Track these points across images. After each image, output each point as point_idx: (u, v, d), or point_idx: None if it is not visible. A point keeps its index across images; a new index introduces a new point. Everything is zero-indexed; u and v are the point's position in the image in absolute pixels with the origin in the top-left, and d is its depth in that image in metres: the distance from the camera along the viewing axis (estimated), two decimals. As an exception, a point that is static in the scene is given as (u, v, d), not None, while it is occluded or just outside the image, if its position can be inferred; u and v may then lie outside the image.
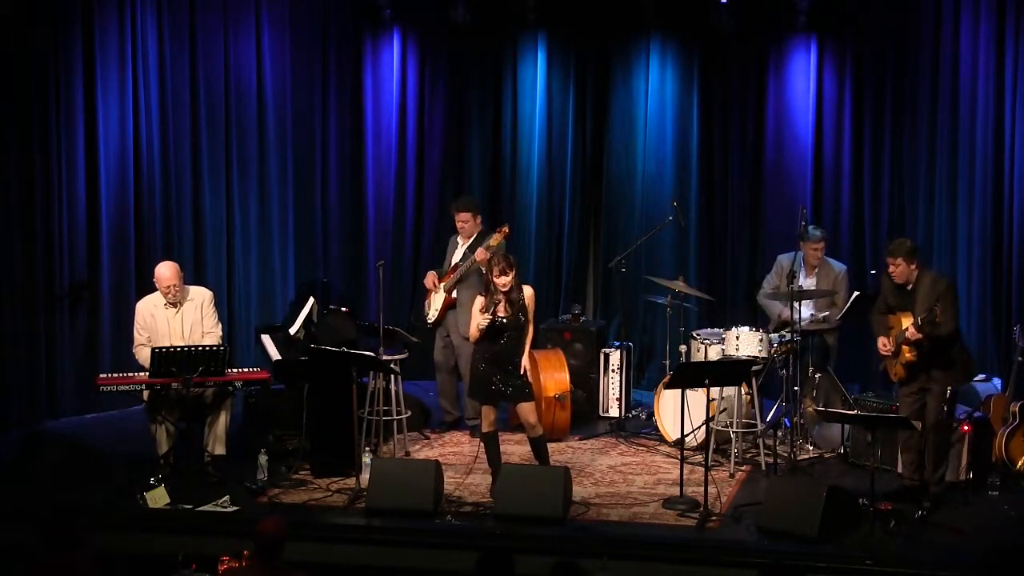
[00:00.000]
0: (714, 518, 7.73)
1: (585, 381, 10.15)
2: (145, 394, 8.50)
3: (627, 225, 11.51)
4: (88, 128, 10.24)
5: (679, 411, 8.83)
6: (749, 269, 11.14)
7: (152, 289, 8.78)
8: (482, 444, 8.21)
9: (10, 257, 9.86)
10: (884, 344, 7.94)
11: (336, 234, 11.61)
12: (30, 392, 10.00)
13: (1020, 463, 8.41)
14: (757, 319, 10.04)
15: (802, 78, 10.92)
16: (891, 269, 7.96)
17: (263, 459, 8.40)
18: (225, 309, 10.56)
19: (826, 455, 9.11)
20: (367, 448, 8.77)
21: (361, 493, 8.06)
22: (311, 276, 11.20)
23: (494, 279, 7.98)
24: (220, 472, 8.46)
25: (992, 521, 7.74)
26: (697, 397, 8.68)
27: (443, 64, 11.70)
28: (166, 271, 8.68)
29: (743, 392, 8.95)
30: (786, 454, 8.83)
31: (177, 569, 6.75)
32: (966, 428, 8.30)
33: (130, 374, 8.60)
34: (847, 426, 8.82)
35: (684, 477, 8.09)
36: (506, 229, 9.32)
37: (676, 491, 8.06)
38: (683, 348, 9.72)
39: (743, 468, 8.78)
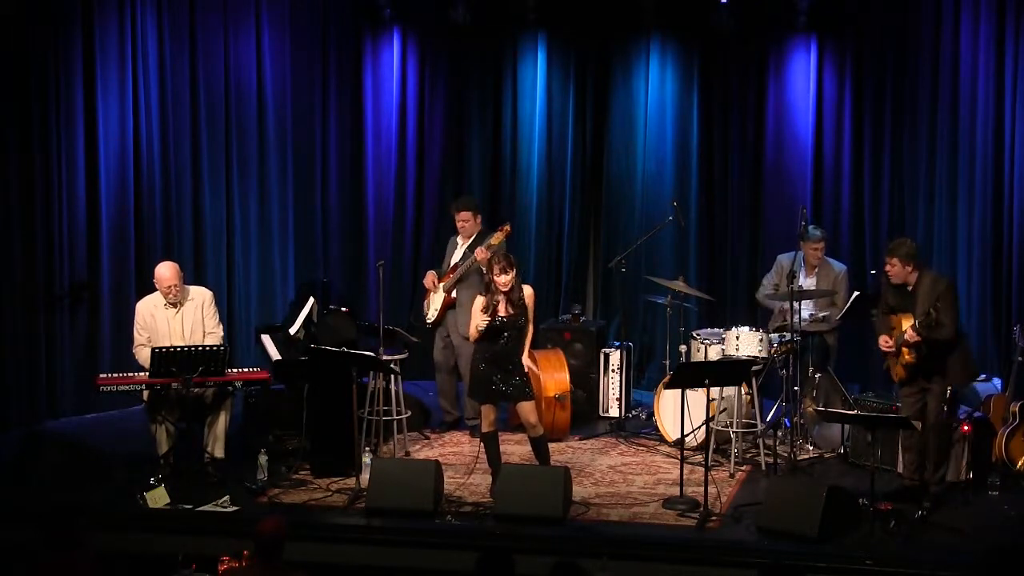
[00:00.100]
0: (714, 518, 7.73)
1: (585, 381, 10.15)
2: (145, 394, 8.50)
3: (627, 225, 11.51)
4: (88, 128, 10.24)
5: (679, 411, 8.83)
6: (749, 269, 11.13)
7: (152, 289, 8.78)
8: (482, 444, 8.21)
9: (10, 257, 9.86)
10: (886, 341, 7.93)
11: (336, 234, 11.61)
12: (30, 392, 10.00)
13: (1020, 463, 8.41)
14: (757, 319, 10.04)
15: (802, 78, 10.92)
16: (887, 268, 7.97)
17: (263, 459, 8.40)
18: (225, 309, 10.55)
19: (826, 455, 9.11)
20: (367, 448, 8.77)
21: (361, 493, 8.06)
22: (311, 276, 11.20)
23: (494, 278, 7.98)
24: (220, 472, 8.46)
25: (992, 521, 7.73)
26: (697, 397, 8.68)
27: (443, 64, 11.70)
28: (166, 271, 8.68)
29: (743, 392, 8.95)
30: (786, 454, 8.83)
31: (177, 569, 6.75)
32: (966, 428, 8.30)
33: (130, 374, 8.60)
34: (847, 426, 8.82)
35: (684, 477, 8.09)
36: (507, 228, 9.31)
37: (676, 491, 8.06)
38: (683, 348, 9.72)
39: (743, 468, 8.78)
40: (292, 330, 9.34)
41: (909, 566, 6.96)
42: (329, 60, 11.46)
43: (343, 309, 9.79)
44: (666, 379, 9.26)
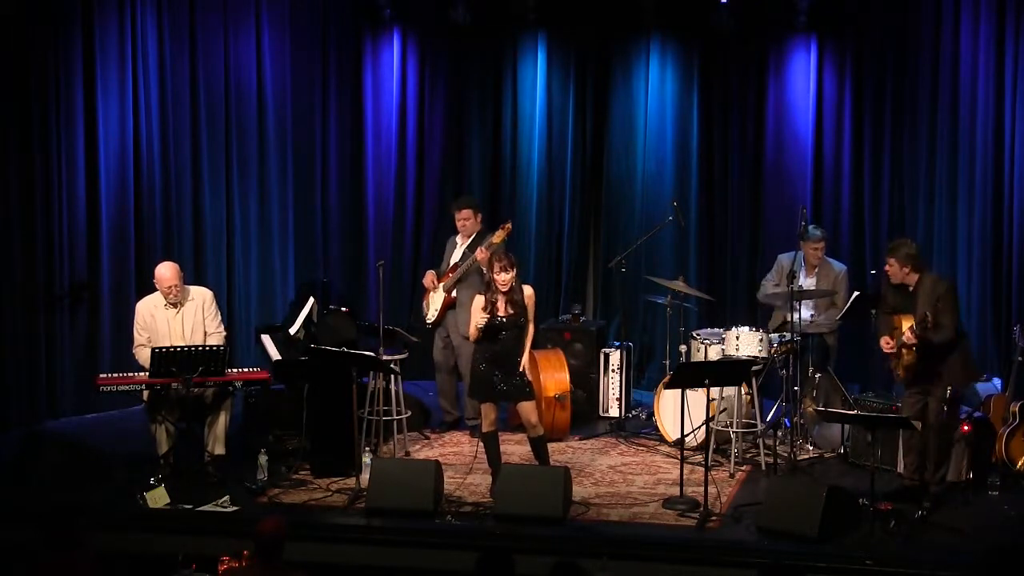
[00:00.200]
0: (714, 518, 7.73)
1: (585, 381, 10.15)
2: (145, 394, 8.51)
3: (627, 225, 11.51)
4: (88, 128, 10.24)
5: (679, 411, 8.83)
6: (749, 269, 11.13)
7: (152, 289, 8.78)
8: (482, 444, 8.21)
9: (10, 257, 9.87)
10: (887, 342, 7.93)
11: (336, 234, 11.61)
12: (30, 392, 10.00)
13: (1020, 463, 8.40)
14: (757, 319, 10.04)
15: (802, 78, 10.92)
16: (886, 268, 7.99)
17: (263, 459, 8.41)
18: (225, 309, 10.54)
19: (826, 455, 9.11)
20: (367, 448, 8.77)
21: (361, 493, 8.06)
22: (311, 276, 11.20)
23: (494, 276, 7.98)
24: (220, 472, 8.46)
25: (992, 521, 7.73)
26: (697, 397, 8.68)
27: (443, 64, 11.70)
28: (166, 272, 8.68)
29: (743, 392, 8.95)
30: (786, 454, 8.83)
31: (177, 569, 6.75)
32: (966, 428, 8.30)
33: (130, 374, 8.61)
34: (847, 426, 8.82)
35: (684, 477, 8.09)
36: (508, 226, 9.28)
37: (676, 491, 8.06)
38: (683, 348, 9.72)
39: (743, 468, 8.78)
40: (292, 330, 9.34)
41: (909, 566, 6.96)
42: (329, 60, 11.45)
43: (343, 309, 9.78)
44: (666, 379, 9.26)
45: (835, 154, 10.88)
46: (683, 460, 8.17)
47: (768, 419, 9.33)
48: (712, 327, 9.88)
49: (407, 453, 9.09)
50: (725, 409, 8.99)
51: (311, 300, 9.50)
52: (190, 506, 7.93)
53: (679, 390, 8.78)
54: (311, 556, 7.15)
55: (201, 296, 8.80)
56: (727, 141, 11.29)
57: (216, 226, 10.97)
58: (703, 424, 8.57)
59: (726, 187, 11.32)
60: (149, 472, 8.27)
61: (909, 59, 10.49)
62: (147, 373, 8.42)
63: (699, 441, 8.85)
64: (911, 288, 7.92)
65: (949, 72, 10.23)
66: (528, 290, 8.13)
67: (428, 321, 9.65)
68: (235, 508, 7.93)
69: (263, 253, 11.23)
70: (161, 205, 10.67)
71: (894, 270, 7.92)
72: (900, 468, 8.35)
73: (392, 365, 8.81)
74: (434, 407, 9.99)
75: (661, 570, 7.25)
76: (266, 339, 9.50)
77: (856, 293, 9.40)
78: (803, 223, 9.24)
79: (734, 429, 8.91)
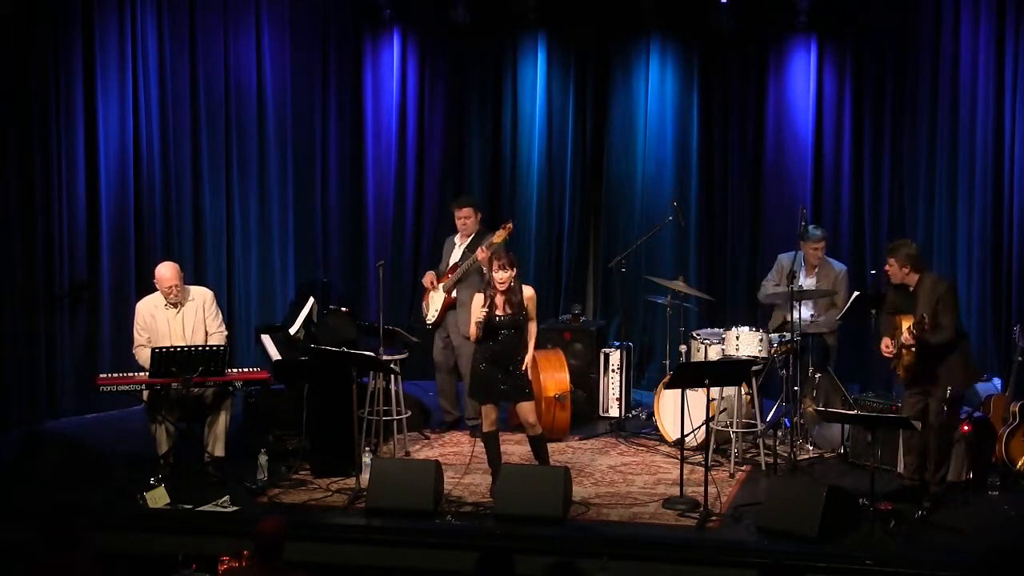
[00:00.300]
0: (714, 518, 7.73)
1: (585, 381, 10.15)
2: (145, 394, 8.50)
3: (627, 225, 11.50)
4: (88, 128, 10.24)
5: (679, 411, 8.83)
6: (749, 269, 11.13)
7: (152, 289, 8.78)
8: (480, 443, 8.20)
9: (10, 257, 9.86)
10: (887, 345, 7.93)
11: (336, 234, 11.61)
12: (30, 392, 10.00)
13: (1020, 463, 8.40)
14: (757, 319, 10.04)
15: (802, 78, 10.92)
16: (886, 268, 8.00)
17: (263, 459, 8.41)
18: (225, 309, 10.52)
19: (826, 455, 9.11)
20: (367, 448, 8.77)
21: (361, 493, 8.06)
22: (311, 276, 11.20)
23: (493, 274, 7.99)
24: (220, 472, 8.46)
25: (992, 521, 7.73)
26: (697, 397, 8.68)
27: (443, 64, 11.70)
28: (167, 272, 8.68)
29: (743, 392, 8.95)
30: (786, 454, 8.83)
31: (177, 569, 6.75)
32: (966, 428, 8.30)
33: (130, 374, 8.61)
34: (847, 426, 8.81)
35: (684, 477, 8.09)
36: (510, 226, 9.27)
37: (676, 491, 8.06)
38: (683, 348, 9.72)
39: (743, 468, 8.78)
40: (292, 330, 9.34)
41: (909, 566, 6.96)
42: (329, 60, 11.45)
43: (343, 309, 9.78)
44: (666, 379, 9.26)
45: (835, 154, 10.88)
46: (683, 460, 8.17)
47: (768, 419, 9.33)
48: (712, 327, 9.88)
49: (407, 453, 9.09)
50: (725, 409, 8.99)
51: (311, 300, 9.50)
52: (190, 506, 7.93)
53: (679, 390, 8.78)
54: (311, 556, 7.15)
55: (201, 296, 8.80)
56: (727, 141, 11.29)
57: (216, 226, 10.96)
58: (703, 424, 8.57)
59: (726, 187, 11.32)
60: (149, 472, 8.27)
61: (909, 59, 10.49)
62: (147, 373, 8.42)
63: (699, 441, 8.85)
64: (911, 288, 7.92)
65: (949, 72, 10.23)
66: (528, 290, 8.13)
67: (428, 322, 9.65)
68: (235, 508, 7.93)
69: (263, 253, 11.23)
70: (161, 205, 10.67)
71: (894, 270, 7.93)
72: (900, 468, 8.35)
73: (392, 365, 8.81)
74: (434, 407, 9.99)
75: (661, 570, 7.25)
76: (266, 339, 9.50)
77: (856, 293, 9.40)
78: (803, 223, 9.24)
79: (734, 429, 8.91)
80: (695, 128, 11.30)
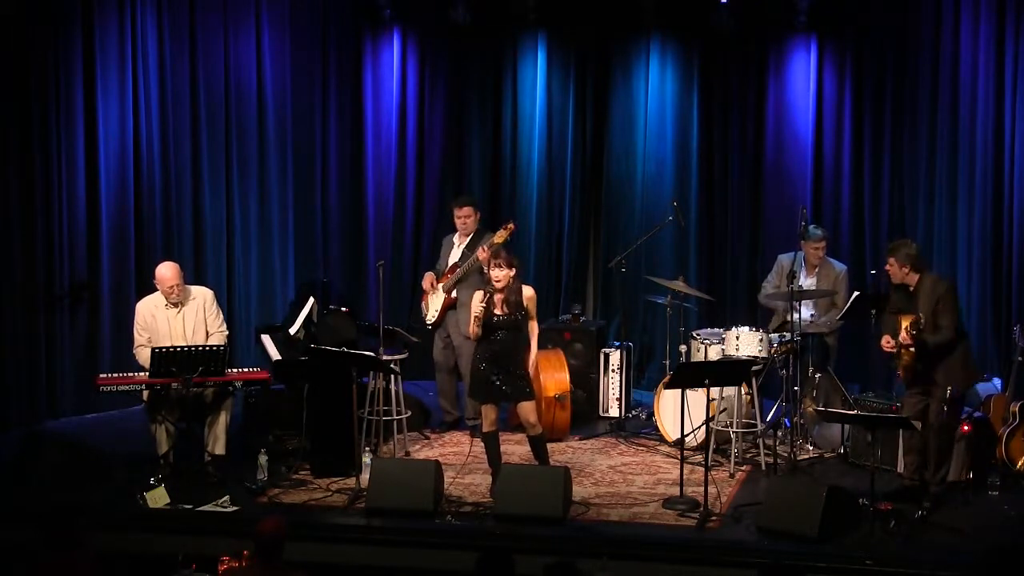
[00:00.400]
0: (714, 518, 7.73)
1: (585, 381, 10.15)
2: (145, 394, 8.50)
3: (627, 225, 11.50)
4: (88, 128, 10.24)
5: (679, 411, 8.83)
6: (749, 269, 11.14)
7: (152, 289, 8.79)
8: (479, 443, 8.20)
9: (10, 257, 9.86)
10: (887, 341, 7.93)
11: (336, 234, 11.61)
12: (30, 392, 10.00)
13: (1020, 463, 8.40)
14: (757, 319, 10.04)
15: (802, 78, 10.92)
16: (886, 267, 8.01)
17: (263, 459, 8.41)
18: (225, 309, 10.48)
19: (826, 455, 9.11)
20: (367, 448, 8.76)
21: (361, 493, 8.06)
22: (311, 276, 11.20)
23: (489, 271, 7.99)
24: (220, 472, 8.46)
25: (992, 521, 7.73)
26: (697, 397, 8.68)
27: (443, 64, 11.70)
28: (167, 272, 8.68)
29: (743, 392, 8.95)
30: (786, 454, 8.83)
31: (177, 569, 6.75)
32: (966, 428, 8.30)
33: (130, 374, 8.60)
34: (847, 426, 8.81)
35: (684, 477, 8.09)
36: (512, 226, 9.26)
37: (676, 491, 8.06)
38: (683, 348, 9.72)
39: (743, 468, 8.78)
40: (292, 330, 9.34)
41: (909, 566, 6.96)
42: (329, 60, 11.45)
43: (343, 309, 9.78)
44: (666, 379, 9.26)
45: (835, 154, 10.89)
46: (683, 460, 8.17)
47: (768, 419, 9.33)
48: (712, 327, 9.88)
49: (407, 453, 9.09)
50: (725, 409, 8.99)
51: (311, 300, 9.50)
52: (190, 506, 7.93)
53: (679, 390, 8.78)
54: (311, 556, 7.15)
55: (202, 296, 8.81)
56: (727, 141, 11.29)
57: (216, 226, 10.96)
58: (703, 424, 8.57)
59: (726, 187, 11.32)
60: (149, 472, 8.27)
61: (909, 59, 10.49)
62: (147, 373, 8.42)
63: (699, 441, 8.85)
64: (912, 288, 7.92)
65: (949, 72, 10.24)
66: (528, 290, 8.12)
67: (428, 323, 9.65)
68: (235, 508, 7.93)
69: (263, 253, 11.23)
70: (161, 205, 10.67)
71: (894, 270, 7.94)
72: (900, 468, 8.35)
73: (392, 365, 8.81)
74: (434, 407, 9.99)
75: (661, 570, 7.25)
76: (266, 339, 9.50)
77: (856, 293, 9.40)
78: (803, 223, 9.24)
79: (734, 429, 8.91)
80: (695, 128, 11.30)
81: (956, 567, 6.85)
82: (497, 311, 7.99)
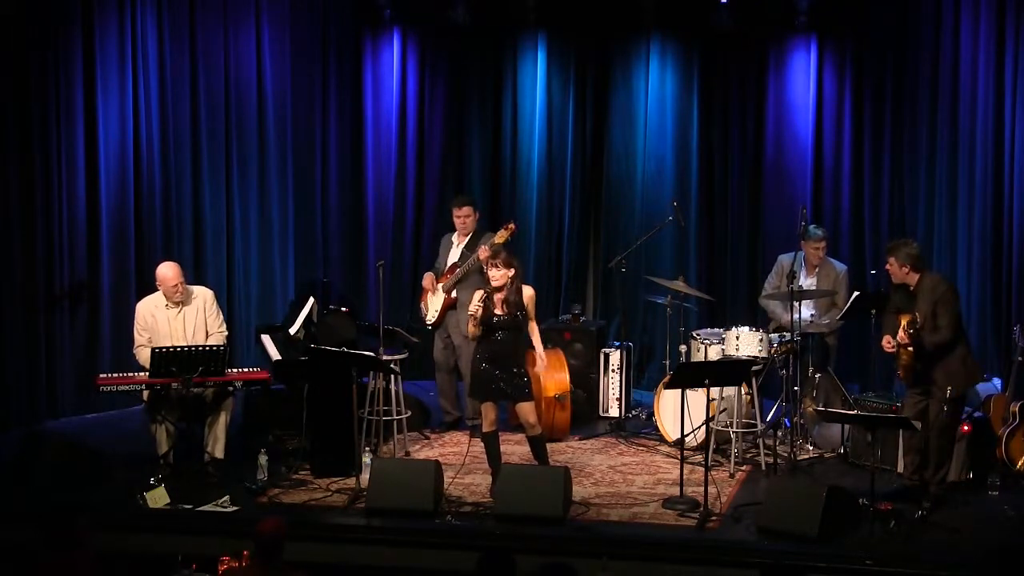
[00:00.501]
0: (714, 518, 7.73)
1: (585, 381, 10.15)
2: (145, 394, 8.50)
3: (627, 225, 11.50)
4: (88, 128, 10.24)
5: (679, 411, 8.83)
6: (749, 269, 11.14)
7: (152, 289, 8.78)
8: (478, 442, 8.20)
9: (10, 257, 9.86)
10: (888, 341, 7.93)
11: (336, 234, 11.61)
12: (30, 392, 10.00)
13: (1020, 463, 8.40)
14: (757, 319, 10.04)
15: (802, 78, 10.92)
16: (887, 267, 8.02)
17: (263, 459, 8.40)
18: (225, 309, 10.49)
19: (826, 455, 9.11)
20: (367, 448, 8.76)
21: (361, 493, 8.06)
22: (311, 276, 11.21)
23: (488, 270, 8.00)
24: (220, 472, 8.46)
25: (992, 521, 7.73)
26: (697, 397, 8.68)
27: (443, 64, 11.70)
28: (169, 271, 8.69)
29: (743, 392, 8.95)
30: (786, 454, 8.83)
31: (177, 569, 6.74)
32: (966, 428, 8.30)
33: (130, 374, 8.61)
34: (847, 426, 8.81)
35: (684, 477, 8.09)
36: (512, 226, 9.26)
37: (676, 491, 8.06)
38: (683, 348, 9.72)
39: (743, 468, 8.78)
40: (292, 330, 9.34)
41: (909, 566, 6.96)
42: (329, 60, 11.45)
43: (343, 309, 9.78)
44: (666, 379, 9.26)
45: (835, 154, 10.89)
46: (683, 460, 8.17)
47: (768, 419, 9.33)
48: (712, 327, 9.88)
49: (407, 453, 9.09)
50: (725, 409, 8.99)
51: (311, 300, 9.50)
52: (190, 506, 7.92)
53: (679, 390, 8.78)
54: (311, 556, 7.16)
55: (202, 296, 8.81)
56: (727, 141, 11.29)
57: (216, 226, 10.96)
58: (703, 424, 8.57)
59: (726, 187, 11.32)
60: (149, 472, 8.26)
61: (909, 59, 10.49)
62: (147, 373, 8.42)
63: (699, 441, 8.85)
64: (912, 288, 7.93)
65: (949, 72, 10.23)
66: (528, 291, 8.12)
67: (428, 323, 9.65)
68: (235, 508, 7.92)
69: (263, 253, 11.23)
70: (161, 205, 10.67)
71: (894, 269, 7.94)
72: (900, 468, 8.35)
73: (392, 365, 8.81)
74: (434, 407, 9.99)
75: (661, 570, 7.25)
76: (266, 339, 9.50)
77: (856, 293, 9.40)
78: (803, 223, 9.25)
79: (734, 429, 8.91)
80: (695, 128, 11.30)
81: (956, 567, 6.85)
82: (498, 311, 7.99)
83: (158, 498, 7.91)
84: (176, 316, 8.67)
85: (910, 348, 7.77)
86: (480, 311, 7.92)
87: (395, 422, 9.10)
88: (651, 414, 9.71)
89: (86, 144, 10.23)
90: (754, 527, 7.57)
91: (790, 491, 7.68)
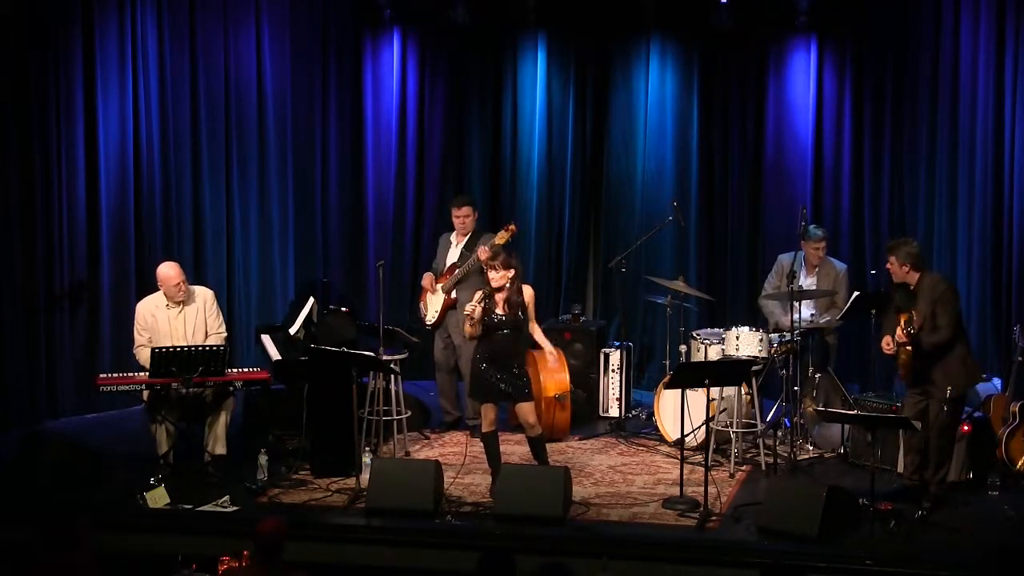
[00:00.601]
0: (714, 518, 7.73)
1: (585, 381, 10.15)
2: (145, 394, 8.51)
3: (627, 225, 11.50)
4: (88, 128, 10.24)
5: (679, 411, 8.83)
6: (749, 269, 11.14)
7: (152, 289, 8.79)
8: (478, 442, 8.20)
9: (10, 257, 9.86)
10: (887, 343, 7.94)
11: (336, 234, 11.61)
12: (30, 392, 10.00)
13: (1020, 463, 8.40)
14: (757, 319, 10.03)
15: (802, 78, 10.92)
16: (887, 266, 8.02)
17: (263, 459, 8.40)
18: (225, 309, 10.50)
19: (826, 455, 9.11)
20: (367, 448, 8.76)
21: (361, 493, 8.06)
22: (311, 276, 11.21)
23: (487, 271, 7.99)
24: (220, 472, 8.46)
25: (992, 521, 7.73)
26: (697, 397, 8.68)
27: (443, 64, 11.70)
28: (170, 271, 8.69)
29: (743, 392, 8.95)
30: (786, 454, 8.83)
31: (177, 569, 6.74)
32: (966, 428, 8.30)
33: (130, 374, 8.61)
34: (847, 426, 8.81)
35: (684, 477, 8.09)
36: (513, 227, 9.26)
37: (676, 491, 8.06)
38: (683, 348, 9.72)
39: (743, 468, 8.78)
40: (292, 330, 9.34)
41: (909, 566, 6.96)
42: (329, 60, 11.45)
43: (343, 309, 9.78)
44: (666, 379, 9.26)
45: (835, 154, 10.89)
46: (683, 460, 8.17)
47: (768, 419, 9.33)
48: (712, 327, 9.89)
49: (407, 453, 9.09)
50: (725, 409, 8.99)
51: (311, 300, 9.50)
52: (190, 506, 7.93)
53: (679, 390, 8.78)
54: (311, 556, 7.16)
55: (203, 296, 8.82)
56: (727, 141, 11.29)
57: (216, 226, 10.96)
58: (703, 424, 8.57)
59: (726, 187, 11.32)
60: (149, 472, 8.27)
61: (909, 59, 10.49)
62: (147, 373, 8.42)
63: (699, 441, 8.85)
64: (912, 288, 7.93)
65: (949, 72, 10.23)
66: (528, 291, 8.12)
67: (428, 323, 9.65)
68: (235, 508, 7.93)
69: (263, 253, 11.23)
70: (161, 205, 10.67)
71: (894, 268, 7.94)
72: (900, 468, 8.35)
73: (392, 365, 8.81)
74: (434, 407, 9.99)
75: (661, 570, 7.25)
76: (266, 339, 9.50)
77: (856, 293, 9.40)
78: (803, 223, 9.25)
79: (734, 429, 8.91)
80: (695, 128, 11.30)
81: (956, 567, 6.85)
82: (498, 311, 7.99)
83: (158, 498, 7.91)
84: (176, 316, 8.68)
85: (908, 347, 7.77)
86: (477, 311, 7.92)
87: (395, 422, 9.10)
88: (651, 414, 9.71)
89: (86, 144, 10.23)
90: (754, 527, 7.57)
91: (790, 491, 7.68)
